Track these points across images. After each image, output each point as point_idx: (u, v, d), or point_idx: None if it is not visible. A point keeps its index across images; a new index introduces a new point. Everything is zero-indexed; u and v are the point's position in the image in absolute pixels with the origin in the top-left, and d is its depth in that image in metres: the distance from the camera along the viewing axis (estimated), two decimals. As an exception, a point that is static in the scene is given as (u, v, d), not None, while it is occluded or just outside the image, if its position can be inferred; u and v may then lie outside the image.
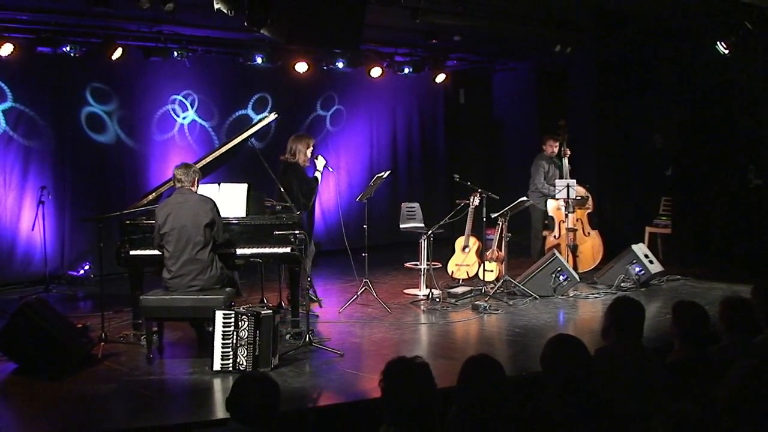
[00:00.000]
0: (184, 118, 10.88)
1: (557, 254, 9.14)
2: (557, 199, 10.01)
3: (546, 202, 10.30)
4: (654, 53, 10.76)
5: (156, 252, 6.83)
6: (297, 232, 7.04)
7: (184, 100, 10.83)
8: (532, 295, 8.81)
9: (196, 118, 11.01)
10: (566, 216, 9.90)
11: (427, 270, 9.01)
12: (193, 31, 9.84)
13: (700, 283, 9.55)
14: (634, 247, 9.50)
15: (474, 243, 9.55)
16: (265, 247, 7.17)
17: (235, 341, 6.12)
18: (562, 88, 12.79)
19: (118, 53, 9.48)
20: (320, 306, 8.36)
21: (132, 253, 7.09)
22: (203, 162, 7.62)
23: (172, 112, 10.77)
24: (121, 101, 10.36)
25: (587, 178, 10.84)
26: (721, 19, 9.16)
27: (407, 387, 3.30)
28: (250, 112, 11.48)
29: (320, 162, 8.13)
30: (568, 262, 9.33)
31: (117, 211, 7.40)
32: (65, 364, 6.19)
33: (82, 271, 9.79)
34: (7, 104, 9.48)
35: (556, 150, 10.37)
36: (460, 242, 9.64)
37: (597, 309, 8.39)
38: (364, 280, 8.64)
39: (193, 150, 10.76)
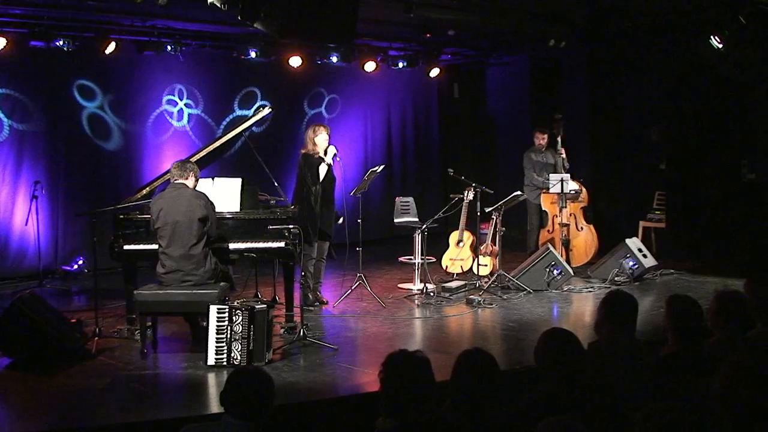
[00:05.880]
0: (179, 111, 10.86)
1: (551, 248, 9.16)
2: (551, 193, 10.04)
3: (540, 196, 10.33)
4: (647, 47, 10.77)
5: (150, 246, 6.84)
6: (291, 226, 7.03)
7: (174, 97, 10.78)
8: (526, 290, 8.82)
9: (190, 112, 10.99)
10: (560, 211, 9.92)
11: (422, 264, 9.02)
12: (186, 26, 9.81)
13: (693, 278, 9.57)
14: (628, 241, 9.52)
15: (468, 237, 9.56)
16: (259, 242, 7.16)
17: (229, 336, 6.12)
18: (556, 82, 12.80)
19: (111, 48, 9.45)
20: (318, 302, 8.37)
21: (126, 247, 7.08)
22: (197, 157, 7.63)
23: (166, 106, 10.74)
24: (115, 96, 10.32)
25: (581, 172, 10.86)
26: (714, 14, 9.17)
27: (406, 380, 3.31)
28: (245, 107, 11.44)
29: (330, 151, 8.12)
30: (561, 256, 9.35)
31: (111, 206, 7.38)
32: (59, 358, 6.20)
33: (75, 266, 9.79)
34: (-1, 99, 9.48)
35: (544, 141, 10.40)
36: (454, 236, 9.66)
37: (590, 303, 8.41)
38: (358, 275, 8.64)
39: (188, 144, 10.75)
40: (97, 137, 10.26)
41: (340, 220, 8.68)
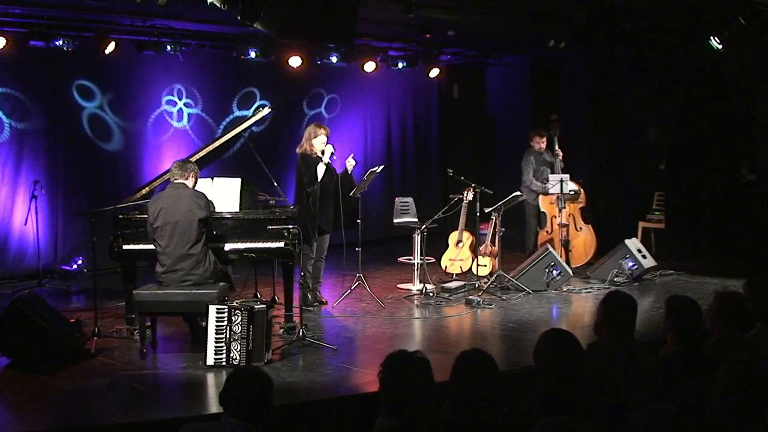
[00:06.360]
0: (178, 111, 10.85)
1: (551, 249, 9.15)
2: (550, 194, 10.03)
3: (539, 197, 10.32)
4: (647, 47, 10.78)
5: (149, 246, 6.83)
6: (290, 226, 7.03)
7: (173, 97, 10.78)
8: (525, 290, 8.82)
9: (190, 111, 10.98)
10: (559, 211, 9.92)
11: (421, 265, 9.02)
12: (186, 25, 9.80)
13: (692, 278, 9.57)
14: (628, 242, 9.51)
15: (467, 238, 9.56)
16: (258, 242, 7.16)
17: (228, 336, 6.12)
18: (556, 82, 12.81)
19: (111, 47, 9.44)
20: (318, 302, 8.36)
21: (125, 247, 7.08)
22: (196, 156, 7.63)
23: (165, 106, 10.73)
24: (114, 96, 10.31)
25: (581, 172, 10.85)
26: (714, 14, 9.17)
27: (406, 380, 3.31)
28: (244, 107, 11.44)
29: (327, 150, 8.10)
30: (560, 257, 9.35)
31: (110, 206, 7.38)
32: (58, 358, 6.19)
33: (75, 266, 9.77)
34: (-1, 99, 9.48)
35: (543, 145, 10.38)
36: (453, 237, 9.65)
37: (590, 303, 8.40)
38: (357, 275, 8.64)
39: (188, 143, 10.74)
40: (96, 137, 10.24)
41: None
